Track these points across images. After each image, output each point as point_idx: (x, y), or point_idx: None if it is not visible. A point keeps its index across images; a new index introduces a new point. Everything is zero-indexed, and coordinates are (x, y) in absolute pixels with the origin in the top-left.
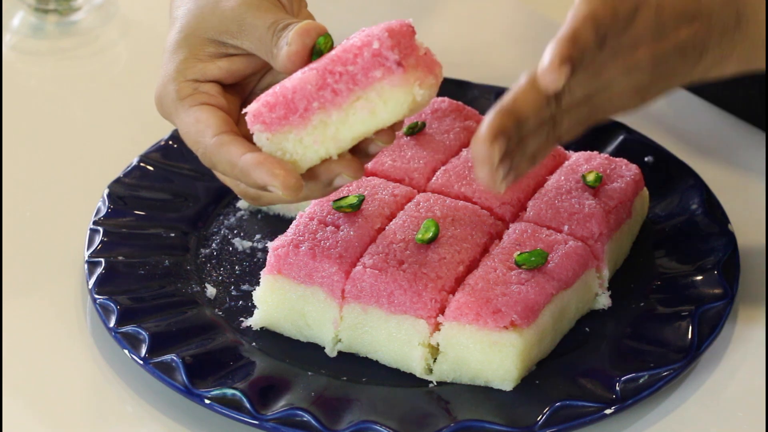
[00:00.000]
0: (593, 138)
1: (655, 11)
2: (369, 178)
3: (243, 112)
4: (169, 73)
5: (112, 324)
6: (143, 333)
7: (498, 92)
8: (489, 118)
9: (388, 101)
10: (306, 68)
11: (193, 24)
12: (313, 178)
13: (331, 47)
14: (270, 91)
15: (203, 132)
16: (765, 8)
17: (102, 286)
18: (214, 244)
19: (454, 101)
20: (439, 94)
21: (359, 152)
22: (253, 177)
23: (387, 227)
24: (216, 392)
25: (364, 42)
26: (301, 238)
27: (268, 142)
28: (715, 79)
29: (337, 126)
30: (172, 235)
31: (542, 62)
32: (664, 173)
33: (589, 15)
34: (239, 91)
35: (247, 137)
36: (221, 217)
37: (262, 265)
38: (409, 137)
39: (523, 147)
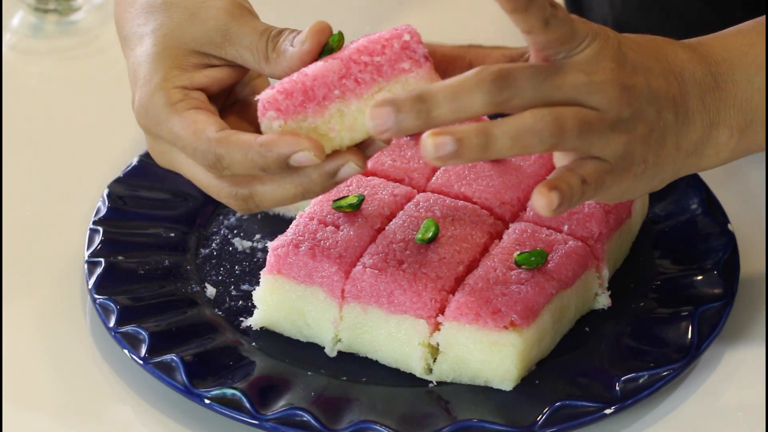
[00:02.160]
0: None
1: (618, 45)
2: (369, 178)
3: (255, 99)
4: (155, 83)
5: (111, 324)
6: (143, 333)
7: None
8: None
9: None
10: (320, 62)
11: (171, 36)
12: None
13: (341, 47)
14: (284, 80)
15: (204, 129)
16: (740, 70)
17: (102, 286)
18: (213, 244)
19: None
20: None
21: None
22: (277, 148)
23: (387, 227)
24: (216, 392)
25: (393, 35)
26: (301, 238)
27: (280, 131)
28: (720, 162)
29: (355, 116)
30: (172, 235)
31: None
32: None
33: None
34: (216, 102)
35: None
36: (221, 217)
37: (262, 265)
38: (408, 137)
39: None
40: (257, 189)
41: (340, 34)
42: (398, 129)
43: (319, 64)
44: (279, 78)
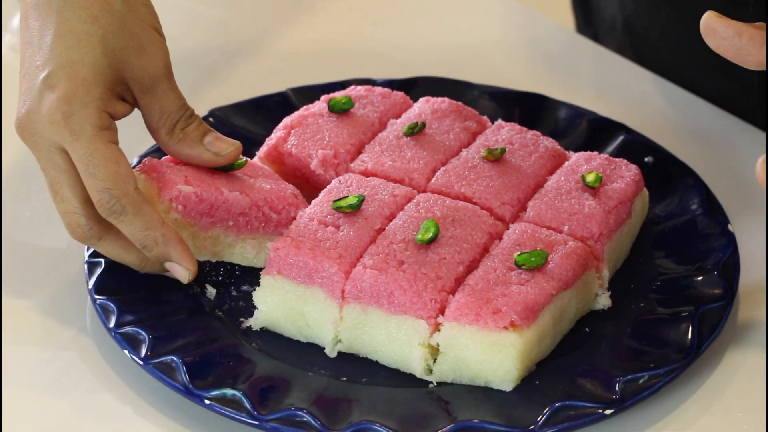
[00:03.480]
0: (593, 138)
1: None
2: (369, 178)
3: (178, 188)
4: (93, 97)
5: (112, 324)
6: (143, 333)
7: (498, 92)
8: None
9: None
10: (235, 189)
11: (119, 57)
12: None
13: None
14: (198, 176)
15: (126, 178)
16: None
17: (102, 286)
18: None
19: (454, 101)
20: (439, 94)
21: None
22: (172, 249)
23: (387, 227)
24: (216, 392)
25: (293, 202)
26: (301, 238)
27: (173, 222)
28: None
29: (223, 247)
30: None
31: None
32: (664, 173)
33: None
34: None
35: None
36: None
37: (262, 266)
38: (409, 137)
39: None
40: (108, 238)
41: (247, 161)
42: None
43: (236, 193)
44: (165, 150)
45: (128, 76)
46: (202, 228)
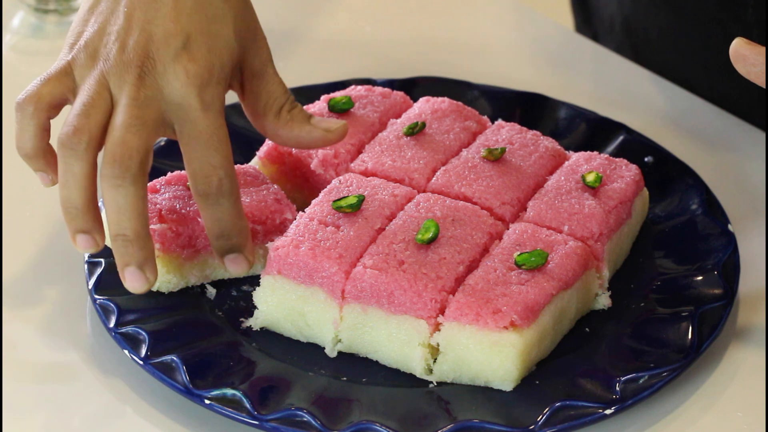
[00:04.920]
0: (593, 138)
1: None
2: (369, 178)
3: (151, 228)
4: (227, 72)
5: (112, 324)
6: (143, 333)
7: (498, 92)
8: None
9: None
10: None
11: (243, 41)
12: None
13: None
14: (173, 209)
15: (228, 159)
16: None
17: (102, 286)
18: None
19: (454, 101)
20: (439, 94)
21: None
22: (245, 242)
23: (387, 227)
24: (216, 392)
25: (277, 209)
26: (301, 238)
27: (157, 259)
28: None
29: (213, 268)
30: None
31: None
32: (664, 173)
33: None
34: None
35: None
36: None
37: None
38: (409, 137)
39: None
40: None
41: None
42: None
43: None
44: (271, 135)
45: (245, 59)
46: (188, 258)
